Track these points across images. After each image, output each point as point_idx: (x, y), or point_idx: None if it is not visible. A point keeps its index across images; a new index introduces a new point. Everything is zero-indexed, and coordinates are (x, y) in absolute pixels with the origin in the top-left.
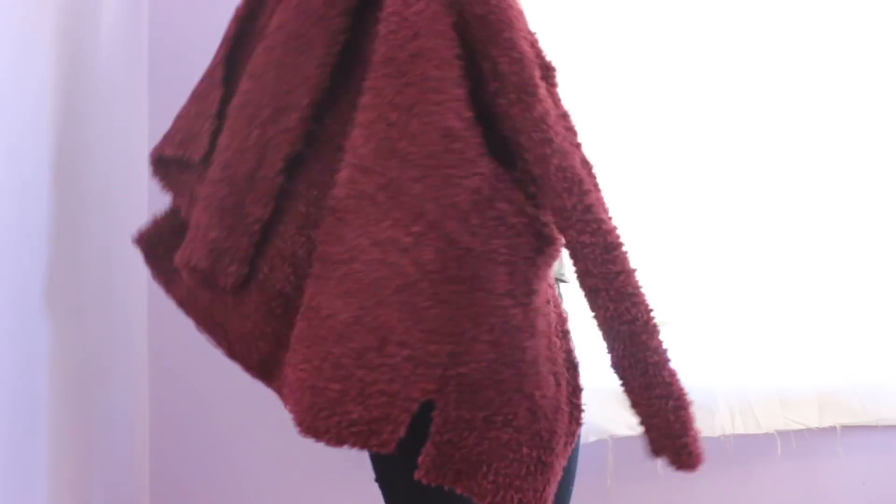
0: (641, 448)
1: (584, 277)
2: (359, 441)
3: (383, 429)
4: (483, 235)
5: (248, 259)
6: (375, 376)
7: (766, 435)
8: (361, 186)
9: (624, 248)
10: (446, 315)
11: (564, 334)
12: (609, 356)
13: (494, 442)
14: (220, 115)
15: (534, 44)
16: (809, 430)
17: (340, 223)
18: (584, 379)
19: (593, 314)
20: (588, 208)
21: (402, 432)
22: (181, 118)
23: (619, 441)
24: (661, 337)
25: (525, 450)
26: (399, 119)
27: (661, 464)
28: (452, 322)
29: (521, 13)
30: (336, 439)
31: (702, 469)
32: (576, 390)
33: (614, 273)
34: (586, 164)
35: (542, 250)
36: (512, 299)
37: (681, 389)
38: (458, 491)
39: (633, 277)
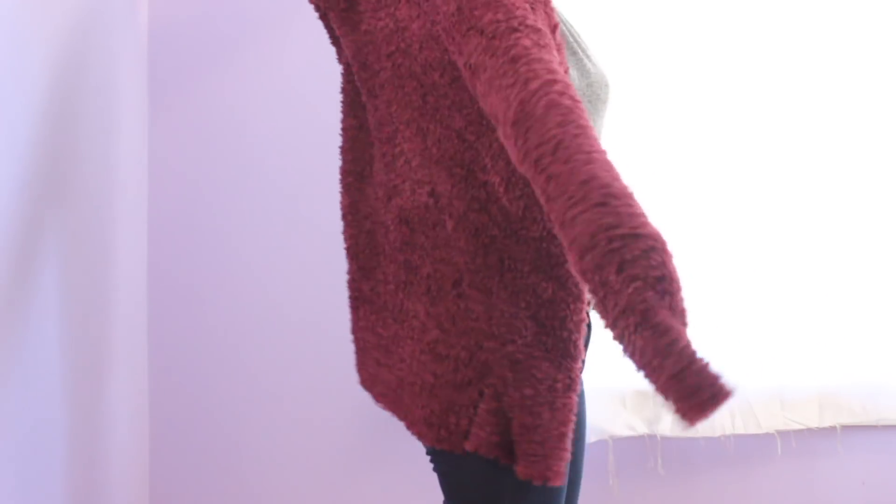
0: (641, 448)
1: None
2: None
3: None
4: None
5: None
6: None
7: (766, 435)
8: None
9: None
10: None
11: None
12: None
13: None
14: None
15: None
16: (809, 430)
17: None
18: (585, 380)
19: None
20: None
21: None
22: None
23: (619, 441)
24: None
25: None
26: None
27: (661, 463)
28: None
29: None
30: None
31: (702, 469)
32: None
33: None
34: None
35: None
36: (541, 274)
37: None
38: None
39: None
